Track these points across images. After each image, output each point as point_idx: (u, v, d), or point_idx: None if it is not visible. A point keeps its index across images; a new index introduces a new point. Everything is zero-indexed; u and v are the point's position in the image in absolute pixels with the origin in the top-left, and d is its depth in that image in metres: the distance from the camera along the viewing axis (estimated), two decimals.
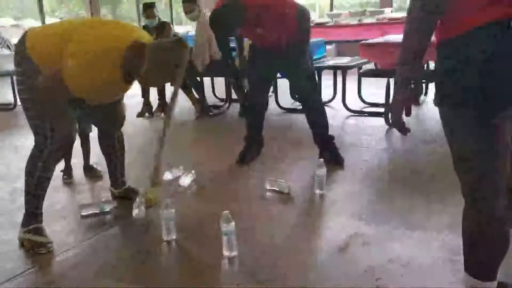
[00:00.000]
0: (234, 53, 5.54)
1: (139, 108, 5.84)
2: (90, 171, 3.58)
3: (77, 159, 3.58)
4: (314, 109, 3.55)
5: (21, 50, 2.36)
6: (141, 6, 5.87)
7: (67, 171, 3.50)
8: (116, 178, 3.05)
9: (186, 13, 5.36)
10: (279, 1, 3.29)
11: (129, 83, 2.45)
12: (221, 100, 6.26)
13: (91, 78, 2.23)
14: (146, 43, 2.36)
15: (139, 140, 4.80)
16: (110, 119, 2.87)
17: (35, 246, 2.43)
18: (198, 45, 5.27)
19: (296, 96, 3.64)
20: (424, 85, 5.77)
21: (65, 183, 3.45)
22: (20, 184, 2.53)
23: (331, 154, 3.50)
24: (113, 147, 2.97)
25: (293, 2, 3.37)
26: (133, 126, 5.29)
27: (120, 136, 2.97)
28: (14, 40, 4.98)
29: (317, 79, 3.57)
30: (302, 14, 3.36)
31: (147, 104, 5.83)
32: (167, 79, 2.55)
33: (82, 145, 3.56)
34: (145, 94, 5.83)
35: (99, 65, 2.22)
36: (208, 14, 5.41)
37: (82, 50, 2.23)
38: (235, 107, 5.70)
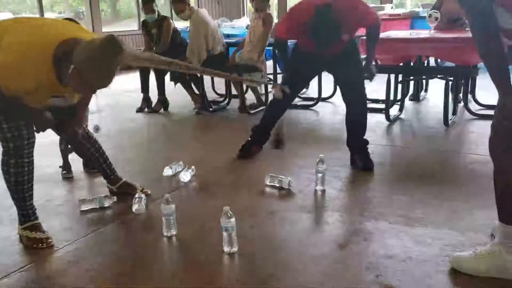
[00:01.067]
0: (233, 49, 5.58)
1: (138, 103, 5.82)
2: (89, 167, 3.56)
3: (75, 154, 3.56)
4: (358, 112, 3.47)
5: None
6: (140, 0, 5.82)
7: (66, 166, 3.48)
8: (107, 175, 3.01)
9: (177, 13, 5.34)
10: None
11: (62, 82, 2.18)
12: (221, 95, 6.24)
13: (19, 73, 2.08)
14: (79, 40, 2.12)
15: (138, 135, 4.79)
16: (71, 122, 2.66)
17: (34, 242, 2.42)
18: (192, 42, 5.25)
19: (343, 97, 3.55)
20: (424, 81, 5.78)
21: (64, 178, 3.44)
22: None
23: (362, 158, 3.41)
24: (87, 152, 2.88)
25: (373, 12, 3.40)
26: (132, 121, 5.28)
27: (87, 139, 2.85)
28: None
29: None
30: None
31: (146, 99, 5.81)
32: (102, 83, 2.13)
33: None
34: (145, 89, 5.80)
35: (28, 60, 2.08)
36: (201, 11, 5.47)
37: (12, 45, 2.11)
38: (235, 103, 5.69)
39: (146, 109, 5.79)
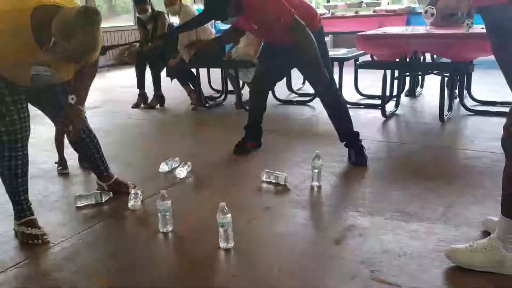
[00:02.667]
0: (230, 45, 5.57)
1: (134, 99, 5.81)
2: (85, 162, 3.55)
3: (71, 150, 3.55)
4: (331, 106, 3.44)
5: None
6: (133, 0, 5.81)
7: (62, 162, 3.48)
8: (101, 171, 2.97)
9: (166, 5, 5.36)
10: (274, 8, 3.07)
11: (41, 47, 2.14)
12: (217, 91, 6.23)
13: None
14: (58, 8, 2.10)
15: (134, 131, 4.79)
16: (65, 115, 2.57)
17: (29, 238, 2.41)
18: (183, 35, 5.24)
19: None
20: (420, 77, 5.79)
21: (59, 174, 3.43)
22: None
23: (356, 153, 3.40)
24: (85, 146, 2.83)
25: (287, 13, 3.05)
26: (128, 117, 5.27)
27: (86, 132, 2.80)
28: None
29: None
30: (296, 29, 3.06)
31: (142, 94, 5.80)
32: (84, 53, 2.16)
33: None
34: (141, 84, 5.79)
35: (7, 21, 2.07)
36: (190, 6, 5.47)
37: None
38: (231, 99, 5.68)
39: (142, 105, 5.78)
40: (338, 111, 3.44)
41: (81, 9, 2.05)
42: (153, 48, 5.51)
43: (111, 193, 2.93)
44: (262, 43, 3.87)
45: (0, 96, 2.28)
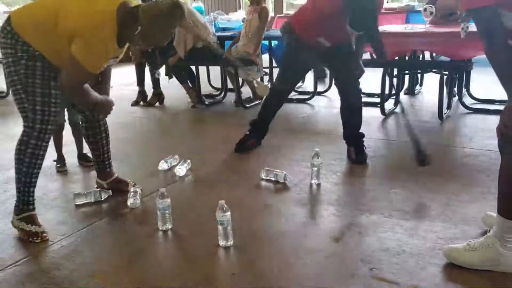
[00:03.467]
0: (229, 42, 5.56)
1: (134, 96, 5.80)
2: (84, 160, 3.55)
3: (70, 147, 3.56)
4: (352, 105, 3.47)
5: (8, 30, 2.34)
6: None
7: (60, 160, 3.48)
8: (104, 167, 2.99)
9: None
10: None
11: (123, 45, 2.46)
12: (217, 89, 6.23)
13: (93, 50, 2.30)
14: (138, 4, 2.42)
15: (133, 129, 4.78)
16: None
17: (29, 235, 2.41)
18: (179, 31, 5.23)
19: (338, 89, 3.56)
20: (419, 75, 5.79)
21: (58, 172, 3.43)
22: (12, 173, 2.50)
23: (356, 151, 3.42)
24: (98, 135, 2.90)
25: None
26: (127, 115, 5.26)
27: (104, 123, 2.91)
28: None
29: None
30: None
31: (141, 92, 5.80)
32: (162, 41, 2.53)
33: (73, 134, 3.53)
34: (140, 82, 5.78)
35: (97, 23, 2.27)
36: (185, 3, 5.45)
37: (77, 13, 2.29)
38: (231, 96, 5.68)
39: (141, 103, 5.77)
40: (357, 106, 3.48)
41: (174, 4, 2.39)
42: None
43: (110, 191, 2.92)
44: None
45: (47, 87, 2.39)
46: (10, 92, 2.54)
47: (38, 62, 2.34)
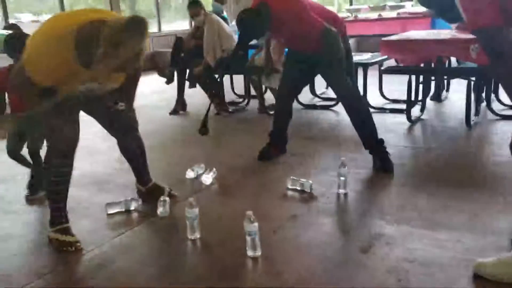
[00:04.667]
0: (253, 51, 5.61)
1: (158, 104, 5.88)
2: (31, 193, 3.30)
3: (103, 156, 3.63)
4: (354, 112, 3.44)
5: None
6: (159, 1, 5.92)
7: (34, 186, 3.30)
8: (142, 174, 3.07)
9: (192, 16, 5.46)
10: (304, 19, 3.28)
11: (88, 66, 2.23)
12: (240, 96, 6.28)
13: (44, 59, 2.24)
14: (102, 21, 2.19)
15: (159, 136, 4.83)
16: (119, 123, 2.80)
17: (63, 245, 2.49)
18: (208, 42, 5.33)
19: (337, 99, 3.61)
20: (445, 81, 5.73)
21: (30, 200, 3.25)
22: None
23: (381, 160, 3.39)
24: (130, 150, 2.94)
25: (318, 24, 3.30)
26: (151, 122, 5.33)
27: (136, 138, 2.93)
28: None
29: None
30: (326, 38, 3.31)
31: (180, 101, 5.87)
32: (126, 66, 2.28)
33: (33, 163, 3.31)
34: (180, 92, 5.85)
35: (52, 45, 2.21)
36: (214, 15, 5.55)
37: (39, 33, 2.30)
38: (254, 104, 5.72)
39: (181, 112, 5.84)
40: (361, 118, 3.44)
41: (128, 18, 2.21)
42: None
43: (140, 200, 2.99)
44: (286, 50, 3.92)
45: (59, 109, 2.40)
46: None
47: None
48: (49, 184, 2.54)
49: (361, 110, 3.47)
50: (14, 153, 3.28)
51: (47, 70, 2.26)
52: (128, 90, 2.73)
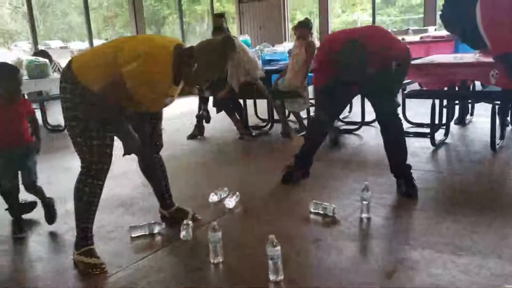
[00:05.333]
0: (276, 75, 5.68)
1: (180, 127, 5.95)
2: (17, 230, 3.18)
3: (128, 179, 3.68)
4: (395, 136, 3.44)
5: (68, 76, 2.50)
6: (184, 27, 6.08)
7: (19, 226, 3.19)
8: (164, 199, 3.12)
9: None
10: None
11: (178, 84, 2.58)
12: (264, 120, 6.33)
13: (147, 77, 2.40)
14: (190, 46, 2.58)
15: (183, 160, 4.89)
16: (150, 139, 2.89)
17: (88, 267, 2.53)
18: (231, 67, 5.41)
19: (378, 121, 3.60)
20: (470, 105, 5.68)
21: (16, 239, 3.10)
22: (71, 205, 2.64)
23: (406, 184, 3.38)
24: (153, 170, 3.02)
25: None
26: (175, 146, 5.40)
27: (159, 157, 3.02)
28: (62, 61, 5.19)
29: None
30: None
31: (198, 126, 5.95)
32: (214, 76, 2.65)
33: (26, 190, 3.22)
34: (200, 117, 5.94)
35: (151, 62, 2.39)
36: (237, 40, 5.65)
37: (135, 54, 2.39)
38: (277, 128, 5.76)
39: (198, 136, 5.91)
40: (399, 140, 3.44)
41: (224, 38, 2.68)
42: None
43: (163, 224, 3.02)
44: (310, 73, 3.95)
45: (102, 130, 2.51)
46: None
47: None
48: (82, 204, 2.57)
49: (400, 133, 3.48)
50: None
51: (145, 81, 2.43)
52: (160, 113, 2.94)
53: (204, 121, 5.91)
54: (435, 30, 8.76)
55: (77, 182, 2.57)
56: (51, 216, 3.22)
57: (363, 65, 3.24)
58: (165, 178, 3.08)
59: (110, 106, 2.43)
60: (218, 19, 5.94)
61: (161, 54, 2.44)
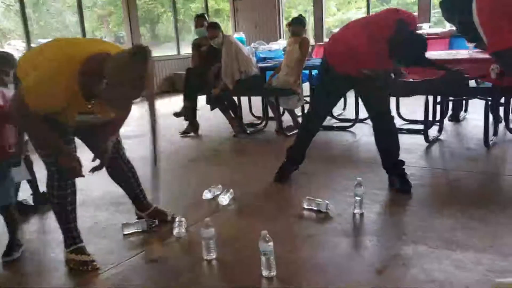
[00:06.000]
0: (270, 72, 5.67)
1: (174, 125, 5.94)
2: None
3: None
4: (385, 132, 3.45)
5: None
6: (179, 24, 6.08)
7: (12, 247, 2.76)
8: (140, 201, 3.06)
9: (210, 38, 5.53)
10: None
11: (89, 99, 2.29)
12: (258, 118, 6.32)
13: (46, 91, 2.19)
14: (107, 55, 2.21)
15: (176, 158, 4.86)
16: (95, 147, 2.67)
17: (79, 264, 2.51)
18: (226, 64, 5.40)
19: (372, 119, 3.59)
20: (463, 101, 5.69)
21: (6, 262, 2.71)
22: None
23: (399, 180, 3.39)
24: (121, 175, 2.93)
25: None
26: (170, 144, 5.39)
27: (125, 161, 2.91)
28: None
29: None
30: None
31: (192, 123, 5.93)
32: (132, 95, 2.24)
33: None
34: (193, 114, 5.92)
35: (53, 77, 2.18)
36: (232, 37, 5.64)
37: (39, 63, 2.26)
38: (272, 125, 5.75)
39: (192, 134, 5.89)
40: (390, 137, 3.45)
41: (133, 48, 2.17)
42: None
43: (156, 221, 3.00)
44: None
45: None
46: None
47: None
48: (55, 207, 2.54)
49: (392, 130, 3.49)
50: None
51: (47, 98, 2.21)
52: (119, 121, 2.67)
53: (184, 118, 5.91)
54: (430, 27, 8.75)
55: (46, 188, 2.53)
56: (10, 246, 2.73)
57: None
58: (136, 180, 2.99)
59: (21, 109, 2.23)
60: (201, 20, 5.96)
61: (64, 64, 2.19)
